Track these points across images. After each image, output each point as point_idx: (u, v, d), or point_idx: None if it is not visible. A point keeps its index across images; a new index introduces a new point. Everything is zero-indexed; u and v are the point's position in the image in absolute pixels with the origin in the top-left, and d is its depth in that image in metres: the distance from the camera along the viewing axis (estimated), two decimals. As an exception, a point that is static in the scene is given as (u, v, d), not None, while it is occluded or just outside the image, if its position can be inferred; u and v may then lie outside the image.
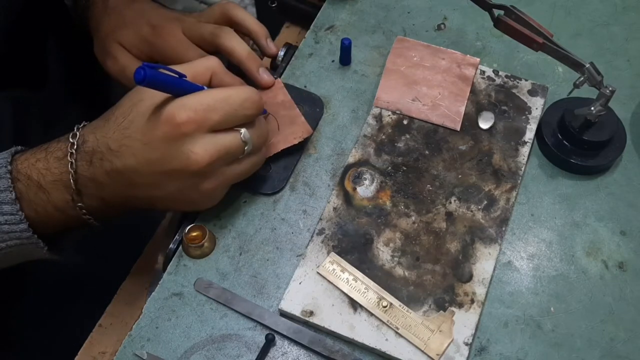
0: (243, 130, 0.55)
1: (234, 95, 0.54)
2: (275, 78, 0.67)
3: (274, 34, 0.84)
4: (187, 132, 0.52)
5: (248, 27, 0.67)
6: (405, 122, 0.67)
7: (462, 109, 0.68)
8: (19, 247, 0.56)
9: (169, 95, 0.53)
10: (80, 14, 0.73)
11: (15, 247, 0.55)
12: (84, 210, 0.56)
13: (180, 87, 0.53)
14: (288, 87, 0.70)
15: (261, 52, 0.69)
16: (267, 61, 0.77)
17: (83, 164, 0.55)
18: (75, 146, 0.55)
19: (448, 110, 0.68)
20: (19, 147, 0.58)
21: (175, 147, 0.53)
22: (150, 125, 0.53)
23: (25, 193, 0.55)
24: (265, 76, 0.65)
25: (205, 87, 0.56)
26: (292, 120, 0.65)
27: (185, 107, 0.52)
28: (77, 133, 0.55)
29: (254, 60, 0.65)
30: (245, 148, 0.56)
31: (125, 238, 0.74)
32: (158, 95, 0.53)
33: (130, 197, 0.56)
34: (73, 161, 0.54)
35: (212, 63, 0.58)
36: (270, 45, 0.68)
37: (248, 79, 0.65)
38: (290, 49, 0.73)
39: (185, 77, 0.54)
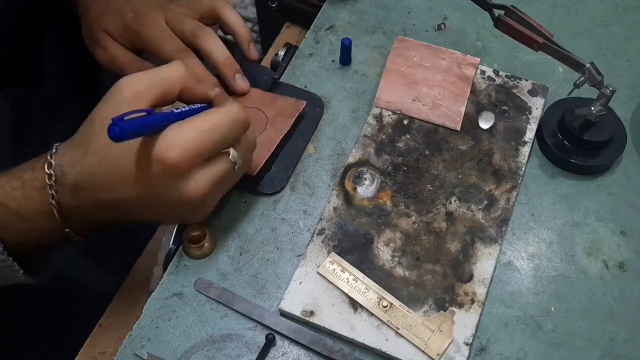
0: (231, 151, 0.53)
1: (221, 123, 0.52)
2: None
3: (274, 34, 0.84)
4: (179, 172, 0.50)
5: (233, 29, 0.66)
6: (405, 122, 0.67)
7: (463, 109, 0.68)
8: None
9: None
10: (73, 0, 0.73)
11: None
12: (72, 234, 0.55)
13: (160, 122, 0.50)
14: (288, 87, 0.70)
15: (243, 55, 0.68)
16: (267, 60, 0.77)
17: (66, 196, 0.53)
18: (53, 178, 0.52)
19: (448, 110, 0.68)
20: None
21: (169, 184, 0.51)
22: (140, 164, 0.50)
23: (3, 221, 0.53)
24: (241, 82, 0.64)
25: (175, 110, 0.53)
26: (280, 107, 0.64)
27: (174, 147, 0.49)
28: (52, 162, 0.53)
29: (231, 66, 0.63)
30: (235, 167, 0.54)
31: (124, 239, 0.74)
32: None
33: (120, 219, 0.55)
34: (54, 193, 0.52)
35: (179, 75, 0.54)
36: (252, 50, 0.66)
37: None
38: (291, 49, 0.73)
39: (153, 111, 0.51)
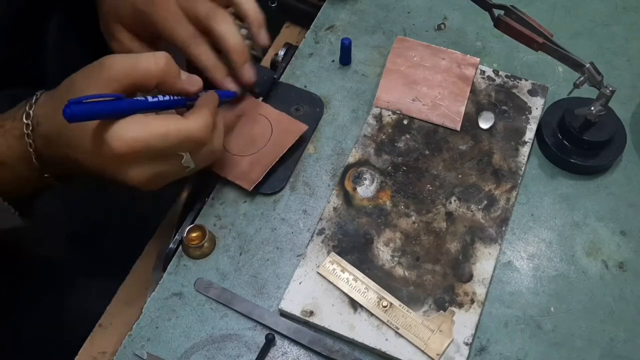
0: (185, 156, 0.55)
1: (174, 134, 0.53)
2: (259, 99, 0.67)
3: (274, 34, 0.84)
4: (124, 161, 0.53)
5: (245, 12, 0.64)
6: (405, 122, 0.67)
7: (462, 109, 0.68)
8: None
9: None
10: None
11: None
12: (51, 179, 0.58)
13: (117, 111, 0.52)
14: (288, 87, 0.70)
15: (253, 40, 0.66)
16: (267, 60, 0.77)
17: (41, 144, 0.56)
18: (30, 127, 0.55)
19: (448, 110, 0.68)
20: None
21: (116, 167, 0.53)
22: (95, 141, 0.53)
23: None
24: (248, 71, 0.63)
25: (150, 98, 0.54)
26: (285, 126, 0.64)
27: (122, 139, 0.51)
28: (30, 112, 0.55)
29: (241, 53, 0.62)
30: (187, 170, 0.56)
31: (125, 238, 0.74)
32: None
33: (89, 173, 0.57)
34: (31, 141, 0.55)
35: (160, 66, 0.54)
36: (262, 35, 0.64)
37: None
38: (290, 49, 0.73)
39: (123, 96, 0.52)
